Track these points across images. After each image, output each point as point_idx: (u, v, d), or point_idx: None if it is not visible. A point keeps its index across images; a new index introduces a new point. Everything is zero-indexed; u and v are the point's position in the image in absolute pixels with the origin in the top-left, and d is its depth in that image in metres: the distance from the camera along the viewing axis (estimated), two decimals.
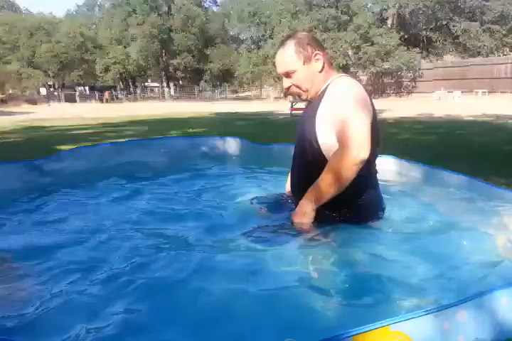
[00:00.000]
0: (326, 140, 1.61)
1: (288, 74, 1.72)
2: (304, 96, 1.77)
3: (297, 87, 1.72)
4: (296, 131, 1.84)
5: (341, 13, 26.62)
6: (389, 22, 28.25)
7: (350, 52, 26.61)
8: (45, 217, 1.97)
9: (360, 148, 1.47)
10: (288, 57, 1.70)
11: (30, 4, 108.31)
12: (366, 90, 1.68)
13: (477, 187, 2.12)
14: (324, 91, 1.69)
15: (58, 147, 5.43)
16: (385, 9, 27.41)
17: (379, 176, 1.82)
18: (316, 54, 1.69)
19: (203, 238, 1.67)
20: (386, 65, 25.64)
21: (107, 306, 1.16)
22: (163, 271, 1.36)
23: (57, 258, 1.48)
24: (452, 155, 4.09)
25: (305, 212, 1.64)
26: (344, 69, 28.54)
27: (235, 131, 6.61)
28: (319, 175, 1.58)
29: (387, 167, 2.69)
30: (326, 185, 1.56)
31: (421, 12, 26.44)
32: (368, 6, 28.14)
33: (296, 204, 1.71)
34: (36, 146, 5.82)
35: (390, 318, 0.85)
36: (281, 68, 1.74)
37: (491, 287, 0.99)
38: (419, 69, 25.27)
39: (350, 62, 27.30)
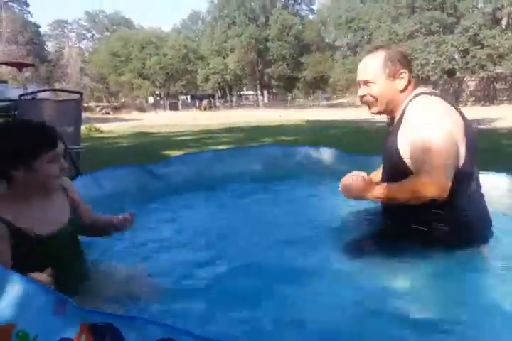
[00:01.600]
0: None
1: (366, 83, 1.67)
2: (374, 110, 1.70)
3: (372, 97, 1.67)
4: (385, 148, 1.74)
5: (447, 15, 24.95)
6: (503, 22, 25.67)
7: (456, 56, 24.73)
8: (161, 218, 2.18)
9: (438, 187, 1.39)
10: (373, 67, 1.65)
11: (142, 19, 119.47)
12: (449, 102, 1.55)
13: None
14: (403, 113, 1.61)
15: (164, 152, 5.84)
16: (498, 8, 24.94)
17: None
18: (402, 72, 1.62)
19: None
20: (499, 69, 23.32)
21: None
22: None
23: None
24: None
25: (364, 191, 1.55)
26: (449, 74, 26.62)
27: (332, 140, 6.47)
28: None
29: (495, 185, 2.25)
30: (403, 192, 1.48)
31: None
32: (479, 7, 25.92)
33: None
34: (145, 150, 6.34)
35: None
36: (361, 76, 1.69)
37: None
38: None
39: (456, 67, 25.37)
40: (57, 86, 34.24)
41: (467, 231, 1.57)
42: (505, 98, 24.35)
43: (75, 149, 2.57)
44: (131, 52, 41.94)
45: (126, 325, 0.88)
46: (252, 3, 41.40)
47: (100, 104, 41.42)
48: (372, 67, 1.65)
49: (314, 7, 44.91)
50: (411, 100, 1.60)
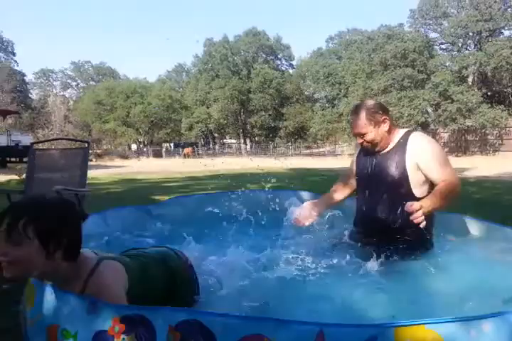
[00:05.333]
0: (416, 183, 2.12)
1: (361, 135, 2.18)
2: (370, 146, 2.21)
3: (369, 142, 2.19)
4: (375, 173, 2.25)
5: (418, 72, 26.77)
6: (469, 79, 27.68)
7: (429, 110, 26.23)
8: None
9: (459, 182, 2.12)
10: (361, 123, 2.16)
11: (127, 70, 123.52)
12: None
13: None
14: (402, 144, 2.17)
15: (154, 197, 5.90)
16: (464, 67, 27.02)
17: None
18: (384, 119, 2.16)
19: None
20: (468, 122, 24.75)
21: None
22: None
23: None
24: None
25: (430, 208, 1.90)
26: (423, 126, 28.04)
27: (314, 187, 6.68)
28: (403, 205, 1.87)
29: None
30: (445, 196, 2.00)
31: (504, 69, 25.63)
32: (447, 65, 28.02)
33: (364, 235, 2.23)
34: (135, 196, 6.38)
35: (426, 319, 1.05)
36: (356, 130, 2.19)
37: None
38: (506, 126, 24.02)
39: (429, 120, 26.80)
40: (40, 132, 34.42)
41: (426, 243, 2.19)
42: (476, 149, 25.63)
43: (82, 192, 2.69)
44: (116, 101, 42.82)
45: (152, 313, 1.07)
46: (235, 58, 43.61)
47: None
48: (360, 123, 2.16)
49: (293, 62, 47.52)
50: (411, 135, 2.18)
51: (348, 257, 1.99)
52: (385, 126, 2.16)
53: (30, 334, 1.26)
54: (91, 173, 4.67)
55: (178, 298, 1.51)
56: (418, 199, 1.98)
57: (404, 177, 2.11)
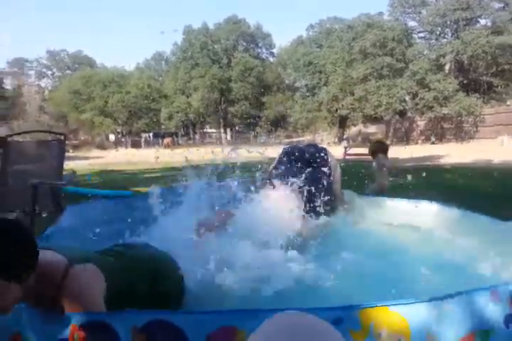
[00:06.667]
0: None
1: None
2: None
3: None
4: None
5: (396, 61, 27.00)
6: (446, 68, 28.09)
7: (407, 98, 26.56)
8: None
9: None
10: None
11: (105, 59, 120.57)
12: None
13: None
14: None
15: (134, 189, 5.86)
16: (442, 56, 27.38)
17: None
18: None
19: None
20: (445, 110, 25.20)
21: None
22: None
23: None
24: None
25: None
26: (401, 114, 28.40)
27: None
28: None
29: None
30: None
31: (480, 57, 26.08)
32: (425, 53, 28.32)
33: None
34: (114, 188, 6.31)
35: (390, 301, 1.10)
36: None
37: (470, 289, 1.21)
38: (480, 114, 24.54)
39: (407, 108, 27.16)
40: (15, 124, 33.45)
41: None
42: (452, 136, 26.16)
43: (59, 184, 2.65)
44: (93, 90, 41.87)
45: (113, 318, 1.06)
46: (215, 46, 43.05)
47: None
48: None
49: (274, 51, 47.22)
50: None
51: None
52: None
53: None
54: (68, 165, 4.61)
55: (163, 297, 1.49)
56: None
57: None
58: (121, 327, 1.03)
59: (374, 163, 3.94)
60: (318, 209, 2.47)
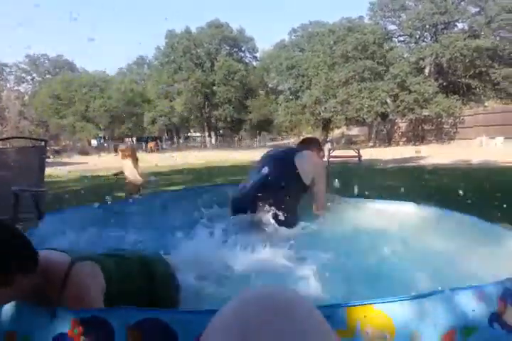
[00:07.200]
0: None
1: None
2: None
3: None
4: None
5: (377, 64, 27.43)
6: (426, 70, 28.66)
7: (388, 100, 26.98)
8: None
9: None
10: None
11: (86, 64, 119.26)
12: None
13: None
14: None
15: (117, 194, 5.79)
16: (421, 59, 27.94)
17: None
18: None
19: None
20: (425, 112, 25.68)
21: None
22: None
23: None
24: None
25: None
26: (383, 117, 28.80)
27: None
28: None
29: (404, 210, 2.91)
30: None
31: (459, 60, 26.70)
32: (405, 56, 28.85)
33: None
34: (95, 194, 6.22)
35: (374, 299, 1.13)
36: None
37: (453, 287, 1.21)
38: (460, 115, 25.09)
39: (388, 110, 27.60)
40: None
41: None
42: (432, 138, 26.67)
43: (38, 191, 2.62)
44: (74, 95, 41.33)
45: (109, 314, 1.09)
46: (198, 50, 43.01)
47: None
48: None
49: (257, 55, 47.42)
50: None
51: None
52: None
53: None
54: (48, 171, 4.53)
55: (158, 299, 1.52)
56: None
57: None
58: (116, 324, 1.06)
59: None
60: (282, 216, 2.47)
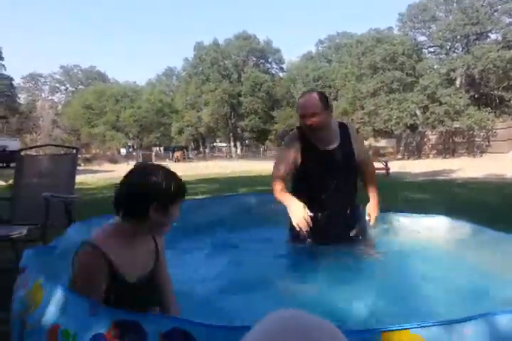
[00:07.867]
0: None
1: (313, 115, 2.20)
2: (314, 131, 2.28)
3: (317, 124, 2.21)
4: (332, 165, 2.34)
5: (406, 75, 27.05)
6: (457, 82, 28.04)
7: (417, 112, 26.49)
8: None
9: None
10: (316, 103, 2.20)
11: (117, 74, 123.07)
12: None
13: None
14: (345, 136, 2.36)
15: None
16: (452, 70, 27.37)
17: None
18: (331, 106, 2.30)
19: None
20: (456, 124, 25.03)
21: None
22: None
23: None
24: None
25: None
26: (412, 128, 28.27)
27: None
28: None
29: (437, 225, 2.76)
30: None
31: (491, 72, 26.01)
32: (435, 67, 28.35)
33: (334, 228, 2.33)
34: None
35: (410, 323, 1.07)
36: (310, 110, 2.21)
37: (493, 311, 1.14)
38: (492, 128, 24.32)
39: (418, 122, 27.06)
40: (28, 137, 34.04)
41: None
42: (464, 151, 25.90)
43: (69, 198, 2.65)
44: (105, 105, 42.57)
45: (145, 319, 1.09)
46: (226, 62, 43.66)
47: None
48: (315, 102, 2.20)
49: (284, 66, 47.70)
50: (345, 127, 2.39)
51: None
52: (331, 114, 2.28)
53: (27, 339, 1.26)
54: (79, 178, 4.60)
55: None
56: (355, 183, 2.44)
57: (354, 163, 2.38)
58: (150, 330, 1.07)
59: None
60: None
